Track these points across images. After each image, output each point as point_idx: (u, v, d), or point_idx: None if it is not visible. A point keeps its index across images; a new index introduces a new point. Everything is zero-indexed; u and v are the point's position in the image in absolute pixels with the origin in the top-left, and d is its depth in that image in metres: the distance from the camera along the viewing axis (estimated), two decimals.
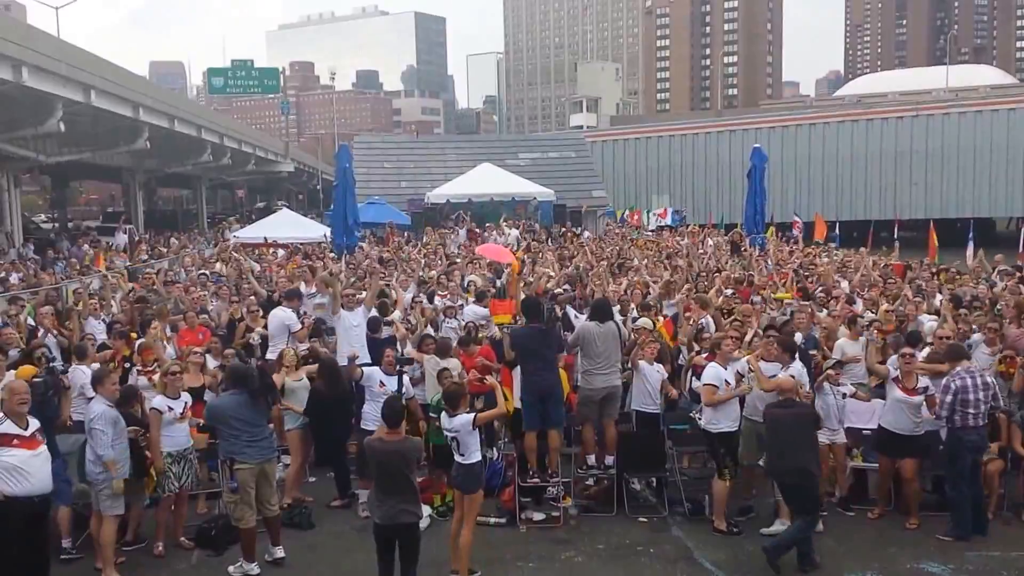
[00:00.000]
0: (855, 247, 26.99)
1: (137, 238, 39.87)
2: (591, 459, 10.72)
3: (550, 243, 27.17)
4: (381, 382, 10.41)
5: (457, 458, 8.58)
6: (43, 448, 7.71)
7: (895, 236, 28.07)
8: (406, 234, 30.10)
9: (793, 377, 9.54)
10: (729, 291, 15.97)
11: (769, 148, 30.70)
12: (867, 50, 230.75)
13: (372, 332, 12.46)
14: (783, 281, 16.52)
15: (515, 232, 28.68)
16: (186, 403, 9.55)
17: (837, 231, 31.79)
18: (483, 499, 8.95)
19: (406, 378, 10.79)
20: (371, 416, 10.19)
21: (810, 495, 8.87)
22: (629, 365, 11.20)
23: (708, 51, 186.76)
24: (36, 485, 7.54)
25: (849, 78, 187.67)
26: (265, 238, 27.89)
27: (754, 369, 9.92)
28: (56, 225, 56.65)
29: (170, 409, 9.34)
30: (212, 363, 11.43)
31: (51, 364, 10.51)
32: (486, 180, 35.85)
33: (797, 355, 10.17)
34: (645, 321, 12.59)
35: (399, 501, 7.67)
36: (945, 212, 49.08)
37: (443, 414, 8.72)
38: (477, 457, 8.56)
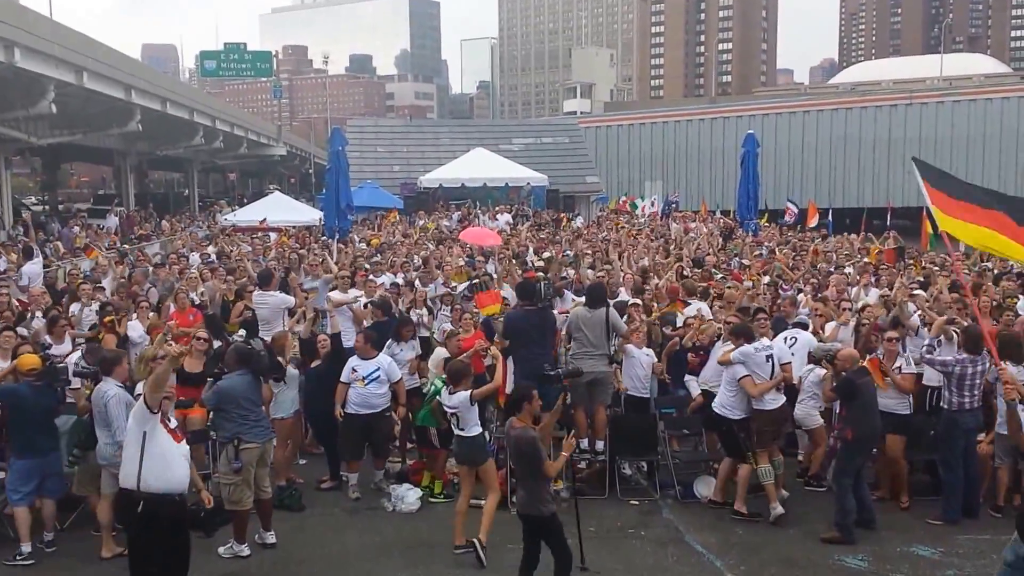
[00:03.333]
0: (848, 234, 26.99)
1: (128, 213, 39.85)
2: (583, 443, 10.72)
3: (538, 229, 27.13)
4: (353, 368, 10.33)
5: (457, 432, 8.84)
6: (185, 445, 7.33)
7: (888, 223, 28.11)
8: (400, 217, 30.04)
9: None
10: (720, 275, 15.99)
11: (763, 135, 30.72)
12: (862, 38, 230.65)
13: (386, 314, 12.38)
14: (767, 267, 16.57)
15: (506, 217, 28.69)
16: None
17: (830, 218, 31.75)
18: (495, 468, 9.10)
19: (386, 362, 10.63)
20: (348, 401, 10.25)
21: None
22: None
23: (703, 38, 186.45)
24: (178, 482, 7.15)
25: (843, 66, 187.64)
26: (263, 220, 27.88)
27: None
28: (47, 207, 56.33)
29: None
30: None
31: (47, 352, 10.34)
32: (479, 165, 35.87)
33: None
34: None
35: (523, 490, 7.70)
36: None
37: (444, 391, 8.98)
38: (478, 430, 8.83)
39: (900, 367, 10.10)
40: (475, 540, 8.55)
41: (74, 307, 13.59)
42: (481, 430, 8.93)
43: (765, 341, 10.00)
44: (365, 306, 13.05)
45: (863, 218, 29.98)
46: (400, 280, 15.72)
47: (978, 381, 9.65)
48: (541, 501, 7.51)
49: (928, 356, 10.12)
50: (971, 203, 8.23)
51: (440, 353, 11.31)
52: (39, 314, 12.82)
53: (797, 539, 9.19)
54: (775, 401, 9.76)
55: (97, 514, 8.91)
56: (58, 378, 9.34)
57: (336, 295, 13.28)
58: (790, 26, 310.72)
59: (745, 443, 9.79)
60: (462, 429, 8.79)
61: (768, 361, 9.71)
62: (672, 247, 20.51)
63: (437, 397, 10.18)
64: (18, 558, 8.68)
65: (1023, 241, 7.89)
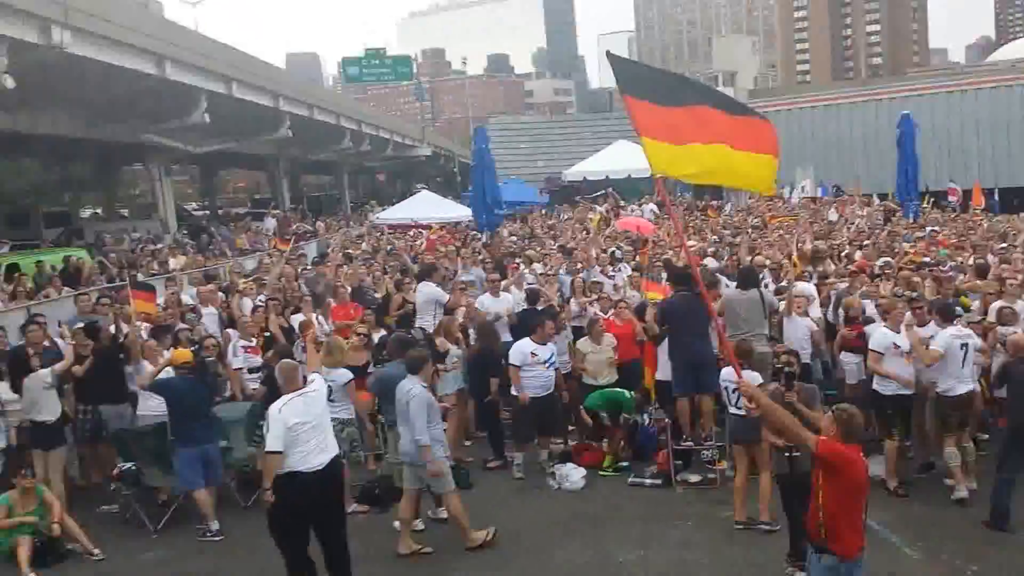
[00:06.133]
0: (1016, 215, 25.64)
1: (284, 215, 41.45)
2: None
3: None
4: (532, 352, 10.59)
5: (732, 410, 8.94)
6: None
7: None
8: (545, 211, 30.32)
9: None
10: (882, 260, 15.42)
11: (919, 116, 29.28)
12: (1018, 13, 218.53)
13: (531, 304, 12.63)
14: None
15: (651, 206, 28.54)
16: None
17: (996, 198, 30.23)
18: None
19: (555, 347, 10.95)
20: (525, 384, 10.49)
21: None
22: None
23: (849, 20, 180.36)
24: None
25: (1000, 43, 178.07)
26: (413, 220, 28.54)
27: (911, 339, 9.68)
28: (207, 212, 59.05)
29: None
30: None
31: (196, 348, 10.94)
32: (622, 157, 35.90)
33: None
34: (804, 287, 12.36)
35: None
36: None
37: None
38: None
39: None
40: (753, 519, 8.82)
41: (244, 303, 14.27)
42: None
43: (961, 330, 9.70)
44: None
45: None
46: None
47: None
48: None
49: None
50: (678, 106, 6.66)
51: (594, 354, 11.31)
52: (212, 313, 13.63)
53: (976, 517, 8.83)
54: (964, 386, 9.44)
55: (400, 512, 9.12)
56: (208, 371, 10.01)
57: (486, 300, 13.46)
58: (942, 4, 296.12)
59: (893, 419, 9.70)
60: (737, 408, 8.78)
61: (962, 349, 9.42)
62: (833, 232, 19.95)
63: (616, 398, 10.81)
64: (208, 535, 9.29)
65: (742, 144, 6.68)
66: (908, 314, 10.19)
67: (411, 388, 8.65)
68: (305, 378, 8.10)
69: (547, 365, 10.63)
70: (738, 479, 8.97)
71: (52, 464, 9.83)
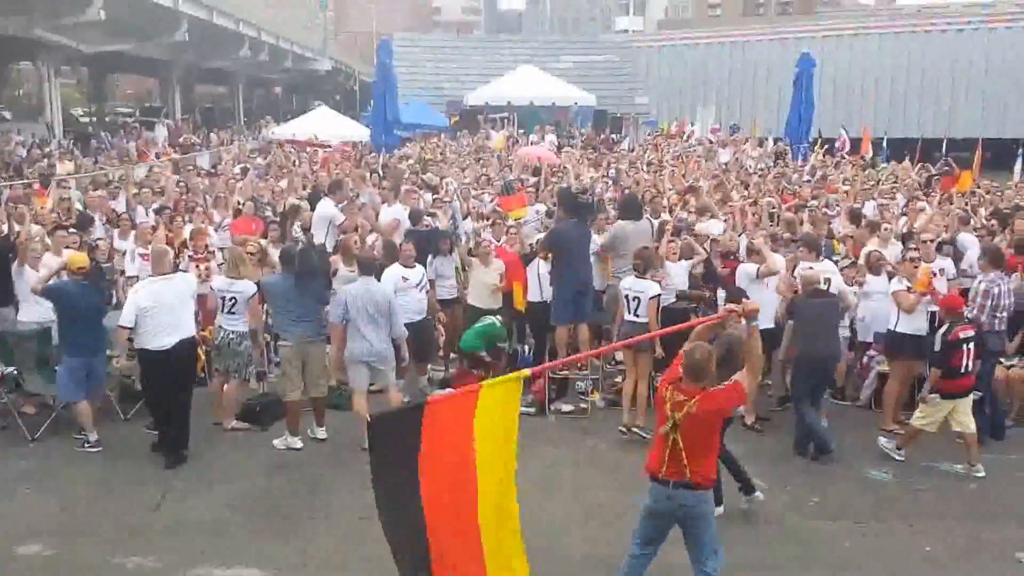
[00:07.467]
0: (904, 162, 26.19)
1: (176, 125, 40.31)
2: (620, 355, 10.93)
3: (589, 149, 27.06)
4: (403, 277, 10.38)
5: (630, 317, 9.63)
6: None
7: (944, 154, 27.13)
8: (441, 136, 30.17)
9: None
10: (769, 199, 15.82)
11: (823, 58, 29.44)
12: None
13: (413, 224, 12.53)
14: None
15: (551, 137, 28.62)
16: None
17: (885, 146, 30.89)
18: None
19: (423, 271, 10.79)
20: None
21: (831, 380, 9.77)
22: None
23: None
24: None
25: None
26: (315, 135, 27.90)
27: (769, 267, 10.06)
28: (94, 119, 56.73)
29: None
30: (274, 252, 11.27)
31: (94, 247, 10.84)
32: (526, 83, 35.55)
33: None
34: (713, 224, 12.53)
35: None
36: (1002, 132, 46.31)
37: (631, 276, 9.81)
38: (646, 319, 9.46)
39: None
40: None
41: (138, 211, 14.05)
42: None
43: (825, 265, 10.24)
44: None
45: (918, 148, 29.05)
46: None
47: (1008, 302, 9.70)
48: None
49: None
50: None
51: (480, 276, 11.36)
52: (100, 219, 13.40)
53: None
54: None
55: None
56: (104, 277, 9.89)
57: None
58: None
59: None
60: (637, 315, 9.47)
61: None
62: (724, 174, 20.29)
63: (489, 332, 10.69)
64: (86, 446, 9.26)
65: None
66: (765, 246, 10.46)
67: (382, 287, 9.33)
68: (177, 267, 9.08)
69: (418, 288, 10.51)
70: (627, 385, 9.61)
71: None
